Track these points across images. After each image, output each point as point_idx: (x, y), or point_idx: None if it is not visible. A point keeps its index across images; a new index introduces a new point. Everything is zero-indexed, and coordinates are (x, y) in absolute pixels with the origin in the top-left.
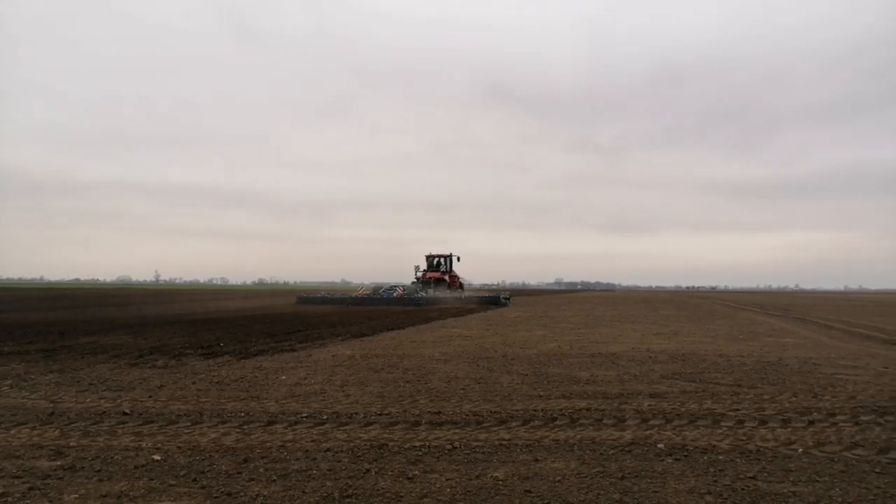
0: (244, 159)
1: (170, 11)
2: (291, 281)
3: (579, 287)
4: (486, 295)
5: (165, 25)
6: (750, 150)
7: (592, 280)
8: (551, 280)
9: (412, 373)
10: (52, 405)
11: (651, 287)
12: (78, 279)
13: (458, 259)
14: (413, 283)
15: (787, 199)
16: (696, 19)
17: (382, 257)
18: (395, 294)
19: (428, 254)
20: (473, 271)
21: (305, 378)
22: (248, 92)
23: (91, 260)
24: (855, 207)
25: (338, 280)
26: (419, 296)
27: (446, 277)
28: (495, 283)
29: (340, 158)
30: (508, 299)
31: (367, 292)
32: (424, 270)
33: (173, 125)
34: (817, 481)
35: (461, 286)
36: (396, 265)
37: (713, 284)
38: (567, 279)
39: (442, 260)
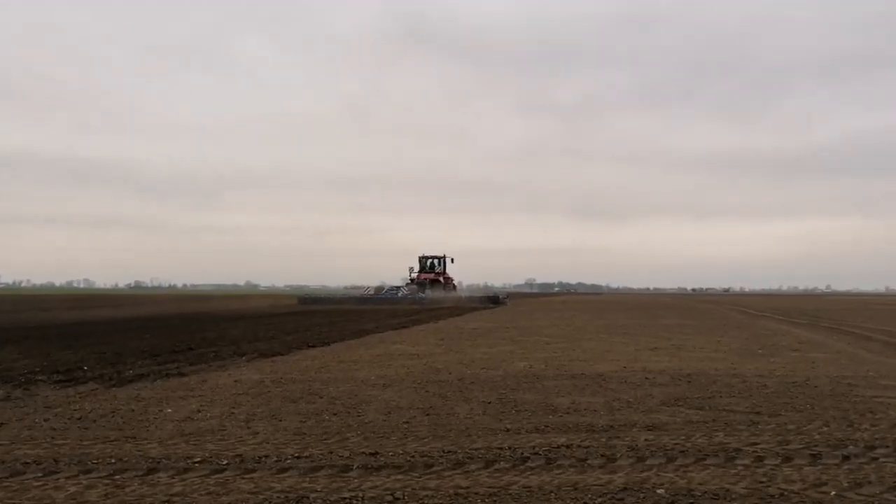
0: (89, 120)
1: None
2: (179, 284)
3: (557, 290)
4: (486, 295)
5: None
6: (748, 114)
7: (573, 280)
8: (521, 281)
9: (341, 402)
10: None
11: (648, 289)
12: None
13: (452, 261)
14: (407, 284)
15: (798, 177)
16: None
17: (294, 252)
18: (399, 294)
19: (421, 255)
20: (405, 269)
21: (199, 411)
22: (83, 31)
23: None
24: (883, 187)
25: (241, 283)
26: (421, 296)
27: (441, 279)
28: None
29: (218, 121)
30: (506, 299)
31: (371, 292)
32: (418, 272)
33: None
34: None
35: (454, 287)
36: (316, 263)
37: (725, 286)
38: (540, 279)
39: (436, 261)
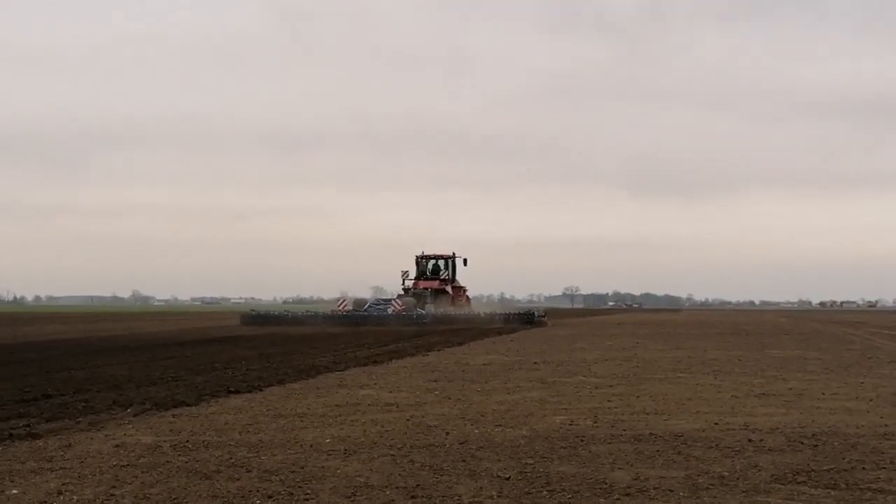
0: None
1: None
2: (30, 296)
3: (611, 304)
4: (515, 312)
5: None
6: None
7: (636, 290)
8: (556, 291)
9: (279, 478)
10: None
11: (753, 303)
12: None
13: (465, 262)
14: (400, 295)
15: None
16: None
17: (204, 248)
18: (390, 310)
19: (420, 254)
20: (376, 273)
21: (60, 492)
22: None
23: None
24: None
25: (126, 294)
26: (421, 312)
27: (448, 288)
28: None
29: (83, 46)
30: (544, 317)
31: (349, 308)
32: (415, 279)
33: None
34: None
35: (468, 300)
36: (238, 264)
37: (872, 298)
38: (586, 289)
39: (441, 263)
